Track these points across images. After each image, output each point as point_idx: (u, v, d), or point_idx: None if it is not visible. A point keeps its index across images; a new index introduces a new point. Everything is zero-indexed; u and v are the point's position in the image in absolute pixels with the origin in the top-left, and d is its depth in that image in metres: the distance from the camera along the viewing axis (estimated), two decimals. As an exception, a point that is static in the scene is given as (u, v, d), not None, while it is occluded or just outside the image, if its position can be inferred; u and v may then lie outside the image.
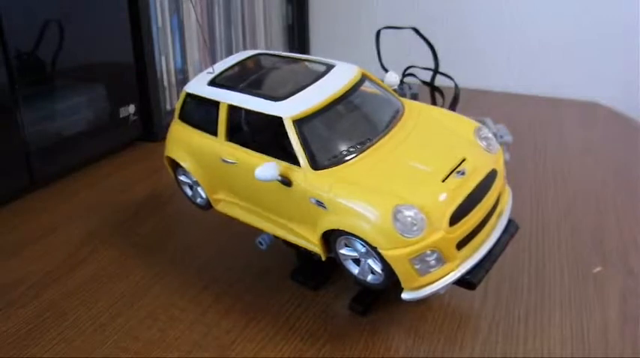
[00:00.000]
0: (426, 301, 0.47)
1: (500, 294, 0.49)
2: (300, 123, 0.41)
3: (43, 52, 0.67)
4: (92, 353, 0.43)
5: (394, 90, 0.48)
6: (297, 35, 1.16)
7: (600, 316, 0.46)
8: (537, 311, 0.47)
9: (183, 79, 0.90)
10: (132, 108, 0.80)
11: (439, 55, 0.60)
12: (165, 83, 0.87)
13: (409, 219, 0.37)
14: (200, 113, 0.48)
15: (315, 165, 0.41)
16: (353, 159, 0.41)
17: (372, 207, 0.38)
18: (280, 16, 1.13)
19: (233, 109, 0.45)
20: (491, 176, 0.41)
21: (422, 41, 0.59)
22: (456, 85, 0.52)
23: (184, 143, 0.49)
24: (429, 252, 0.38)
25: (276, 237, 0.47)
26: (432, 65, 0.60)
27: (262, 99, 0.43)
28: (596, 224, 0.60)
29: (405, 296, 0.39)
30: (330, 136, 0.42)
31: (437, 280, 0.39)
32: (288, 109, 0.42)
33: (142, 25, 0.79)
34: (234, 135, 0.46)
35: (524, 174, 0.71)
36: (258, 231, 0.45)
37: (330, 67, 0.46)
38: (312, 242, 0.42)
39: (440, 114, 0.47)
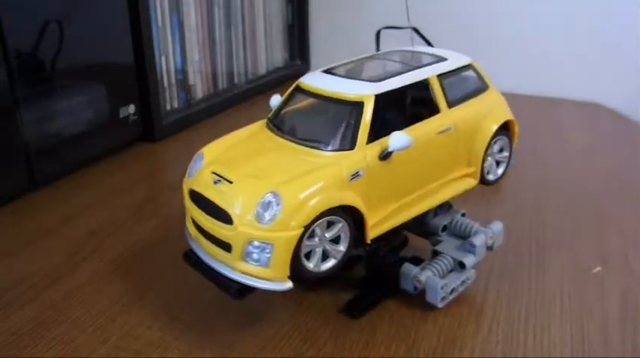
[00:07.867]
0: (425, 301, 0.47)
1: (500, 294, 0.49)
2: (295, 88, 0.48)
3: (43, 52, 0.67)
4: (92, 353, 0.43)
5: None
6: (297, 35, 1.16)
7: (600, 316, 0.46)
8: (537, 311, 0.47)
9: (183, 78, 0.90)
10: (132, 108, 0.80)
11: (439, 55, 0.60)
12: (165, 83, 0.87)
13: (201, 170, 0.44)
14: None
15: (269, 117, 0.48)
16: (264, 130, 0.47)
17: None
18: (280, 16, 1.13)
19: None
20: (222, 213, 0.40)
21: (422, 41, 0.59)
22: (457, 85, 0.52)
23: None
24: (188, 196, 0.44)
25: None
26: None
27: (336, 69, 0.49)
28: (596, 224, 0.60)
29: None
30: (290, 112, 0.48)
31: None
32: (306, 77, 0.48)
33: (142, 25, 0.79)
34: None
35: (524, 174, 0.71)
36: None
37: (378, 80, 0.44)
38: None
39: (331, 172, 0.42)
